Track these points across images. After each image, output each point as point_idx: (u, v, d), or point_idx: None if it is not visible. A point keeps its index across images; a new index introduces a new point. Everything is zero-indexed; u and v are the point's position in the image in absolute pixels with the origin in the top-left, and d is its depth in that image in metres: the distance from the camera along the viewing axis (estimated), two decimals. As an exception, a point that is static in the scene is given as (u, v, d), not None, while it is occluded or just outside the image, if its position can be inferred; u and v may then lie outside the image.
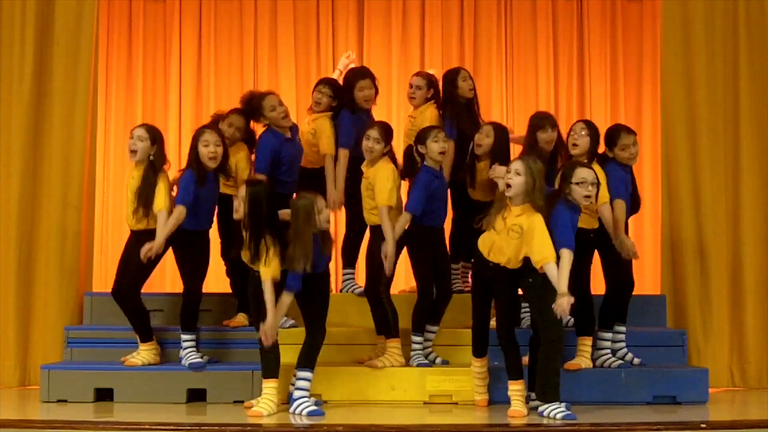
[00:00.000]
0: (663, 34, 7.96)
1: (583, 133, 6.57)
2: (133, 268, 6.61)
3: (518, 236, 5.89)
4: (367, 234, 6.97)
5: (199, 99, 9.21)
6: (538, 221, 5.84)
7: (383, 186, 6.49)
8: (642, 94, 9.19)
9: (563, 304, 5.71)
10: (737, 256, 7.68)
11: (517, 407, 6.05)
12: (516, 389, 6.09)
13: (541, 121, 6.79)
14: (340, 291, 7.37)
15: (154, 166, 6.62)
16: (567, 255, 5.79)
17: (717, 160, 7.71)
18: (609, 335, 6.71)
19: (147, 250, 6.35)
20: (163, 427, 5.69)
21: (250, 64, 9.24)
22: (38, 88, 7.65)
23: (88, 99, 7.70)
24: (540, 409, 5.98)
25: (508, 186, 5.91)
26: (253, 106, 6.93)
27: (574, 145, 6.56)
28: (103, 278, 8.19)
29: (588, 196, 6.00)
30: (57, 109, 7.66)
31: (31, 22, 7.66)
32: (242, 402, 6.39)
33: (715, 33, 7.80)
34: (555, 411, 5.89)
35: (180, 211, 6.45)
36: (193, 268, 6.69)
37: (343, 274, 7.41)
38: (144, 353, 6.68)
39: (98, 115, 8.20)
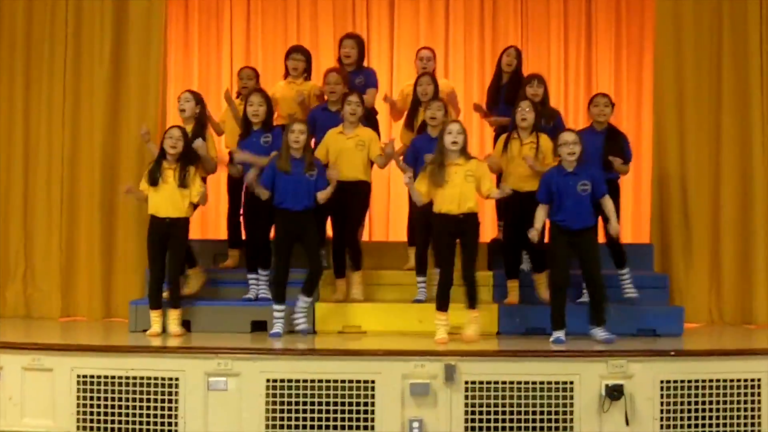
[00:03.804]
0: (657, 20, 8.75)
1: (528, 109, 7.63)
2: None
3: (474, 180, 7.13)
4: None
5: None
6: (481, 164, 7.23)
7: (377, 142, 7.85)
8: (643, 64, 10.06)
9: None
10: (716, 211, 8.60)
11: (471, 331, 7.21)
12: (474, 316, 7.27)
13: (530, 77, 7.93)
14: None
15: (200, 122, 7.90)
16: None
17: (701, 131, 8.59)
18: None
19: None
20: (232, 351, 6.77)
21: (293, 33, 10.25)
22: (117, 57, 8.73)
23: (160, 68, 8.75)
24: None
25: (455, 143, 7.10)
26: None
27: (523, 119, 7.61)
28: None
29: (572, 154, 7.17)
30: (134, 76, 8.73)
31: (109, 10, 8.75)
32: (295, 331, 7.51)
33: (703, 15, 8.64)
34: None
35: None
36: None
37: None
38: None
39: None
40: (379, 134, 8.19)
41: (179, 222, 7.51)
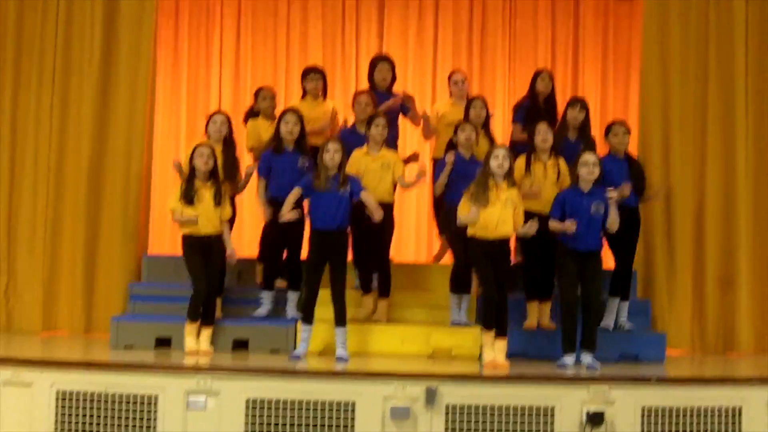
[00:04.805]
0: (644, 38, 8.88)
1: (548, 131, 7.66)
2: None
3: (513, 206, 7.16)
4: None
5: (237, 84, 10.21)
6: (518, 194, 7.22)
7: (401, 164, 7.86)
8: (630, 82, 10.03)
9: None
10: (700, 239, 8.65)
11: (500, 359, 7.13)
12: (502, 345, 7.17)
13: (573, 101, 8.05)
14: None
15: (230, 143, 7.91)
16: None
17: (686, 153, 8.65)
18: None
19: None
20: (212, 370, 6.76)
21: (283, 52, 10.24)
22: (106, 69, 8.74)
23: (148, 81, 8.78)
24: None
25: (501, 167, 7.13)
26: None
27: (544, 141, 7.65)
28: (157, 242, 9.30)
29: (591, 174, 7.21)
30: (122, 88, 8.74)
31: (99, 11, 8.75)
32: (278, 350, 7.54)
33: (689, 34, 8.73)
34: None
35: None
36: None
37: None
38: None
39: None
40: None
41: (218, 238, 7.55)
